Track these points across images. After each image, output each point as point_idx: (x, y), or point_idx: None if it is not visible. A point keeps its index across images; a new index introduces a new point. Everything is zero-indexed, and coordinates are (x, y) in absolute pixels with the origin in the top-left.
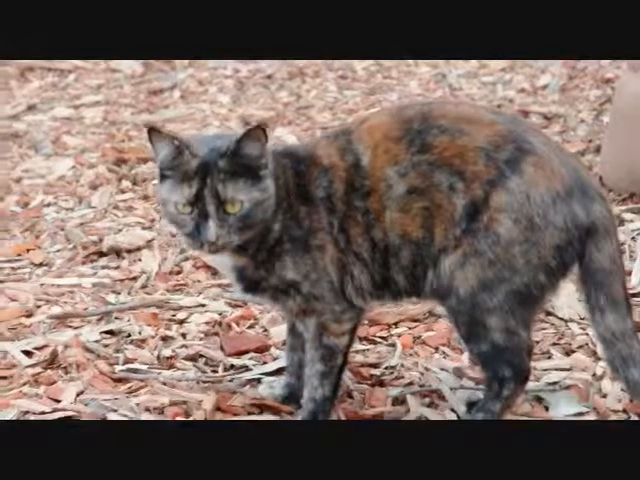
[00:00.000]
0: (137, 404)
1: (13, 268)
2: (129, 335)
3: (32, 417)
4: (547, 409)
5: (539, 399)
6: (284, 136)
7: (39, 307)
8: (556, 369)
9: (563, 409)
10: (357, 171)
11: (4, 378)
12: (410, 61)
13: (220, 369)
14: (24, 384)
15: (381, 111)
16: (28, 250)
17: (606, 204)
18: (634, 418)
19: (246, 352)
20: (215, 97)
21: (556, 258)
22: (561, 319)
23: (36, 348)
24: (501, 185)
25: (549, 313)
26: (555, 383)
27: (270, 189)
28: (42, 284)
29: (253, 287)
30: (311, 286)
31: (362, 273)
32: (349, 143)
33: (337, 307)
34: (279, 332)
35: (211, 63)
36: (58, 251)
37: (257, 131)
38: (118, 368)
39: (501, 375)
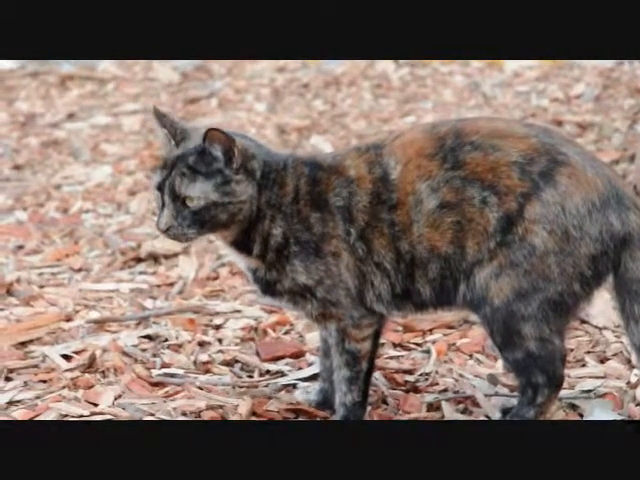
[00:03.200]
0: (174, 408)
1: (53, 273)
2: (166, 340)
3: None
4: (581, 417)
5: (573, 407)
6: (320, 144)
7: (78, 312)
8: (590, 377)
9: (597, 417)
10: (384, 184)
11: (44, 382)
12: (445, 70)
13: (256, 374)
14: (63, 387)
15: (415, 127)
16: (67, 255)
17: None
18: None
19: (281, 358)
20: (251, 105)
21: (591, 268)
22: (595, 327)
23: (75, 352)
24: (535, 197)
25: (583, 321)
26: (589, 391)
27: (240, 194)
28: (81, 289)
29: (269, 290)
30: (326, 292)
31: (382, 283)
32: (379, 157)
33: (355, 313)
34: (314, 338)
35: (248, 72)
36: (97, 257)
37: (212, 132)
38: (155, 372)
39: (535, 382)
